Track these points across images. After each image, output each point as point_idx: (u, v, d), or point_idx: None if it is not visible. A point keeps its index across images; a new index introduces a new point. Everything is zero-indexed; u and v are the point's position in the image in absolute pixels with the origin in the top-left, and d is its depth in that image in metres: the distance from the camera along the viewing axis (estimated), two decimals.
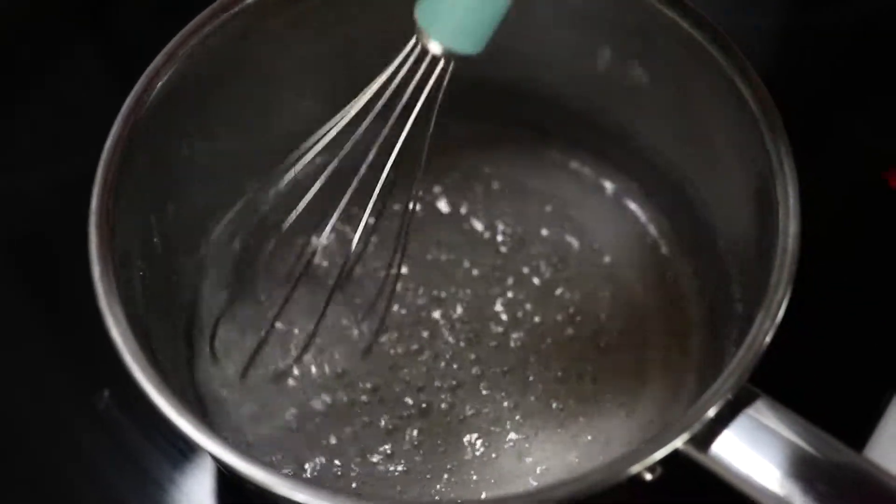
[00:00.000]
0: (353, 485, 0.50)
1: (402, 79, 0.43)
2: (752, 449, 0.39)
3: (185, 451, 0.54)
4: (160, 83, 0.46)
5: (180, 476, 0.53)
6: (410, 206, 0.49)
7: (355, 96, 0.45)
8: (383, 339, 0.54)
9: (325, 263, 0.55)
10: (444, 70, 0.43)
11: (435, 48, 0.42)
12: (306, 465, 0.51)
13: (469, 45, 0.42)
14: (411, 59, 0.43)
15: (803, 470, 0.39)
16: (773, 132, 0.44)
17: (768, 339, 0.41)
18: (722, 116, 0.48)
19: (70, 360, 0.57)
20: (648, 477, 0.40)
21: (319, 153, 0.46)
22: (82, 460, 0.54)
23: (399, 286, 0.54)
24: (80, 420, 0.55)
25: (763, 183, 0.45)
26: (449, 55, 0.42)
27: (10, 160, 0.64)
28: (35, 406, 0.56)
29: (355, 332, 0.54)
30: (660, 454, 0.39)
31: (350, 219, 0.55)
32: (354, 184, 0.46)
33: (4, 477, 0.54)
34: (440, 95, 0.43)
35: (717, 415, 0.40)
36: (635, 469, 0.39)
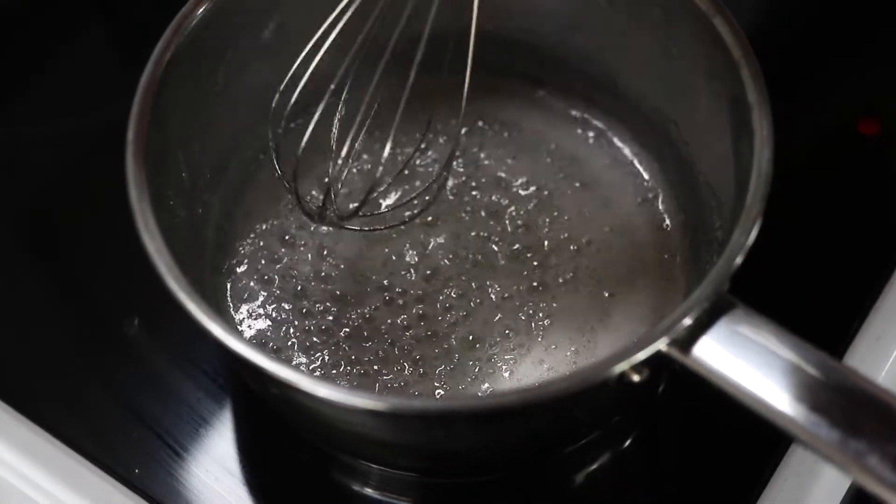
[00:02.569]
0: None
1: None
2: (729, 352, 0.42)
3: (209, 371, 0.58)
4: (190, 26, 0.50)
5: (204, 395, 0.57)
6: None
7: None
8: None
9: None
10: None
11: None
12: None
13: None
14: None
15: (776, 370, 0.41)
16: (748, 68, 0.48)
17: (744, 251, 0.44)
18: (702, 59, 0.52)
19: (103, 289, 0.61)
20: (636, 378, 0.43)
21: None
22: (113, 382, 0.58)
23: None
24: (112, 345, 0.59)
25: (740, 118, 0.49)
26: None
27: (19, 120, 0.69)
28: (69, 332, 0.60)
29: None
30: (643, 354, 0.43)
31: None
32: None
33: (42, 399, 0.57)
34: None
35: (698, 320, 0.43)
36: (621, 368, 0.42)
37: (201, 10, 0.51)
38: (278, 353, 0.55)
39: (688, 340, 0.43)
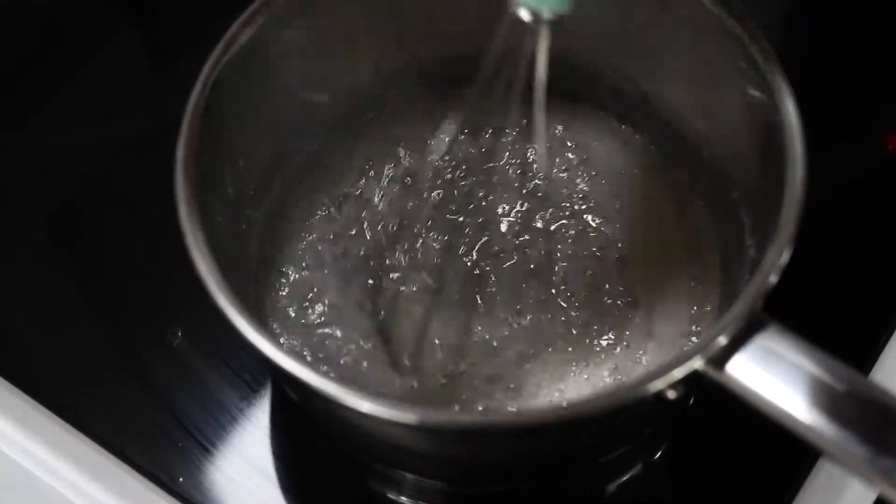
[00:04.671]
0: None
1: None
2: (763, 370, 0.43)
3: (249, 380, 0.59)
4: (238, 45, 0.51)
5: (244, 403, 0.59)
6: None
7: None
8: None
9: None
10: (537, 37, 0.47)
11: (524, 14, 0.46)
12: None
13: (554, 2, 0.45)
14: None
15: (807, 386, 0.42)
16: (782, 91, 0.49)
17: (777, 270, 0.45)
18: (735, 79, 0.52)
19: (145, 300, 0.63)
20: (671, 395, 0.44)
21: None
22: (157, 389, 0.59)
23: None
24: (156, 355, 0.60)
25: (773, 138, 0.49)
26: (539, 18, 0.46)
27: (55, 127, 0.71)
28: (115, 342, 0.62)
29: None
30: (679, 372, 0.43)
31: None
32: None
33: (88, 404, 0.59)
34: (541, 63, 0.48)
35: (732, 339, 0.43)
36: (657, 386, 0.43)
37: (249, 29, 0.52)
38: (322, 367, 0.56)
39: (722, 358, 0.44)
